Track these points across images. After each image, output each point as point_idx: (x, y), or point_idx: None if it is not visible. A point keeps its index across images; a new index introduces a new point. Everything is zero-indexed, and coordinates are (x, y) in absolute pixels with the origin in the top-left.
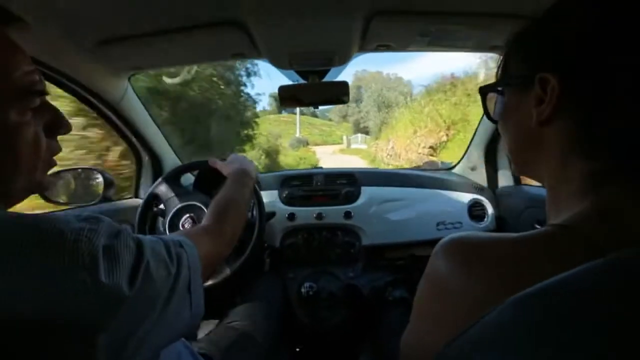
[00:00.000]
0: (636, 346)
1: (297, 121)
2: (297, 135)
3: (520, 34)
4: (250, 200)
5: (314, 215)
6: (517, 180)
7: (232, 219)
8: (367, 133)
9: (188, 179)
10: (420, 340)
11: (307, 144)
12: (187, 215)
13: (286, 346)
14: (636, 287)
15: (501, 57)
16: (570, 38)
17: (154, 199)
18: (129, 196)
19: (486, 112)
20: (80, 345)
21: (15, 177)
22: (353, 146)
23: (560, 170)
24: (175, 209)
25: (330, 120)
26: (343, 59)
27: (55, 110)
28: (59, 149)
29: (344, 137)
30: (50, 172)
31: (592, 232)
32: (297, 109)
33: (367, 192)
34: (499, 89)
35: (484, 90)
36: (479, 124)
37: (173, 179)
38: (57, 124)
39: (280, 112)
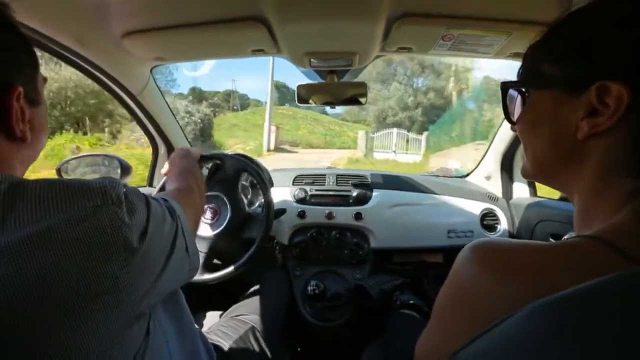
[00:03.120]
0: None
1: (268, 109)
2: (265, 128)
3: (563, 27)
4: (197, 170)
5: (325, 214)
6: (532, 192)
7: (190, 180)
8: (399, 127)
9: None
10: (437, 345)
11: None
12: (207, 206)
13: (291, 343)
14: None
15: (528, 52)
16: None
17: None
18: (142, 185)
19: (506, 112)
20: (121, 260)
21: (44, 143)
22: (378, 155)
23: (598, 185)
24: None
25: (343, 120)
26: (363, 60)
27: None
28: None
29: (361, 135)
30: (71, 157)
31: (628, 246)
32: (268, 96)
33: (378, 195)
34: (524, 89)
35: (506, 87)
36: (497, 131)
37: None
38: None
39: (283, 104)
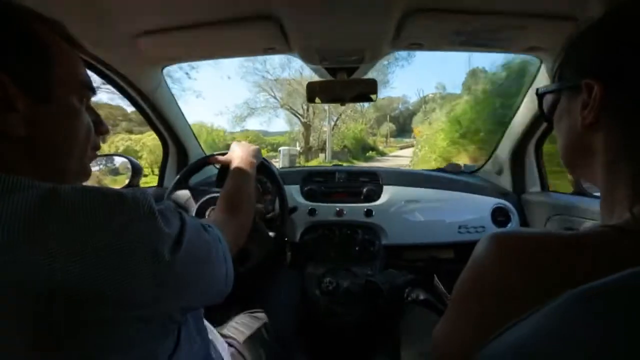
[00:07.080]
0: None
1: None
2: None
3: (571, 38)
4: (254, 181)
5: (335, 211)
6: (544, 187)
7: (244, 207)
8: None
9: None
10: (462, 336)
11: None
12: (212, 208)
13: (303, 340)
14: None
15: (557, 62)
16: (613, 45)
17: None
18: (153, 185)
19: (542, 114)
20: (150, 274)
21: (70, 157)
22: None
23: (610, 174)
24: (199, 204)
25: None
26: (374, 57)
27: (97, 113)
28: (100, 146)
29: None
30: None
31: None
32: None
33: (388, 191)
34: (553, 91)
35: (540, 93)
36: (508, 125)
37: (185, 180)
38: (99, 124)
39: None
